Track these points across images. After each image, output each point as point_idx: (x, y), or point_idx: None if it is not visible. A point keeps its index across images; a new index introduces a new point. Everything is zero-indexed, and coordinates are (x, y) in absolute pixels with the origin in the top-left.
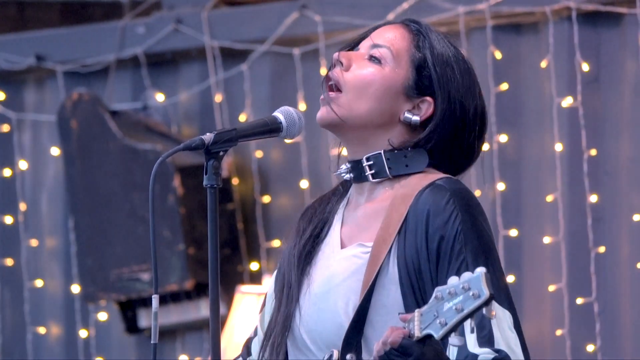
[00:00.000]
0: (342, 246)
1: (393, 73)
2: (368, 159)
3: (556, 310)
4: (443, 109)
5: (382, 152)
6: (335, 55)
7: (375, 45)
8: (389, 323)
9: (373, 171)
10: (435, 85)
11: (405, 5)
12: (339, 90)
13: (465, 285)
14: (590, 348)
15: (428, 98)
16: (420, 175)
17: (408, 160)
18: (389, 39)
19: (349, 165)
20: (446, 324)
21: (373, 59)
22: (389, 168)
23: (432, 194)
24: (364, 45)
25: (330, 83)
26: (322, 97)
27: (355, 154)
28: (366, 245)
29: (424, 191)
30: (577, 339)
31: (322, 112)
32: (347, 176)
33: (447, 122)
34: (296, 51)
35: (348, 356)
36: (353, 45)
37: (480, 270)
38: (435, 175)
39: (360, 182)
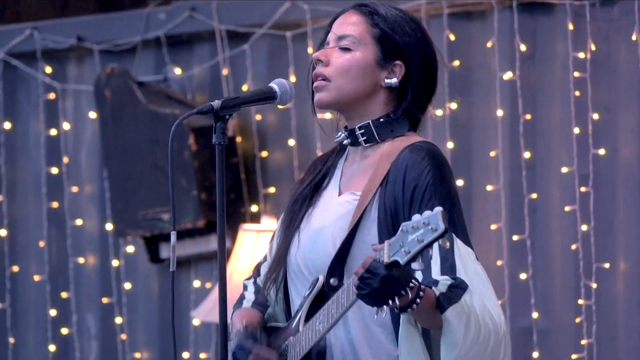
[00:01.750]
0: (340, 193)
1: (363, 54)
2: (360, 128)
3: (497, 245)
4: (412, 64)
5: (370, 122)
6: (315, 56)
7: (340, 37)
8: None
9: (365, 137)
10: (398, 49)
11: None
12: (326, 79)
13: (425, 221)
14: (523, 276)
15: (398, 62)
16: (403, 138)
17: (392, 126)
18: (349, 27)
19: (345, 133)
20: (409, 252)
21: (343, 49)
22: (378, 134)
23: (411, 152)
24: (332, 39)
25: (316, 79)
26: (314, 85)
27: (351, 123)
28: (356, 194)
29: (405, 150)
30: (513, 269)
31: (319, 97)
32: (346, 141)
33: (420, 72)
34: (288, 34)
35: (332, 280)
36: (322, 42)
37: (438, 209)
38: (414, 138)
39: (356, 145)
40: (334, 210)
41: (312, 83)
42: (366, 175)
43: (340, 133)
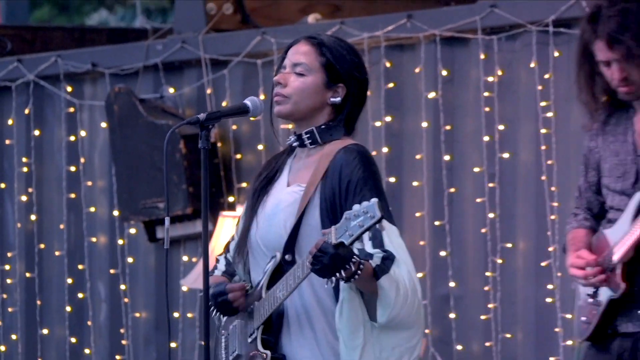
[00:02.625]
0: (288, 185)
1: (313, 78)
2: (306, 133)
3: (421, 229)
4: (351, 86)
5: (314, 128)
6: (275, 79)
7: (295, 64)
8: (313, 236)
9: (310, 140)
10: (341, 74)
11: (329, 33)
12: (286, 97)
13: (365, 210)
14: (443, 253)
15: (340, 84)
16: (339, 141)
17: (331, 132)
18: (302, 56)
19: (295, 137)
20: (352, 235)
21: (298, 74)
22: (320, 138)
23: (345, 153)
24: (288, 65)
25: (277, 97)
26: (276, 99)
27: (299, 129)
28: (302, 186)
29: (340, 151)
30: (434, 248)
31: (277, 110)
32: (295, 144)
33: (356, 93)
34: (259, 61)
35: (287, 256)
36: (280, 65)
37: (374, 200)
38: (348, 141)
39: (302, 147)
40: (284, 199)
41: (273, 100)
42: (310, 170)
43: (290, 137)
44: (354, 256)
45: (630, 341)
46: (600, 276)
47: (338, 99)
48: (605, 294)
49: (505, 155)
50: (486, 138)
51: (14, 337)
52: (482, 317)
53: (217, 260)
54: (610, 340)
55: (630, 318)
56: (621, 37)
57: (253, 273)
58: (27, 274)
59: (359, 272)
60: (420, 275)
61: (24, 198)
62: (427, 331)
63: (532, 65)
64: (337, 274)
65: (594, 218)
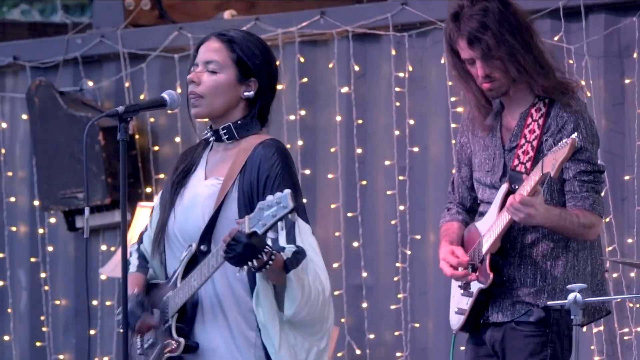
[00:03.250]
0: (205, 178)
1: (225, 75)
2: (223, 129)
3: (335, 220)
4: (262, 79)
5: (230, 124)
6: (189, 77)
7: (207, 62)
8: (230, 227)
9: (227, 136)
10: (252, 69)
11: (244, 29)
12: (200, 96)
13: (278, 200)
14: (355, 244)
15: (252, 78)
16: (256, 136)
17: (248, 127)
18: (213, 54)
19: (211, 132)
20: (265, 224)
21: (211, 72)
22: (237, 133)
23: (264, 148)
24: (200, 62)
25: (192, 96)
26: (191, 100)
27: (216, 125)
28: (219, 179)
29: (258, 146)
30: (348, 239)
31: (194, 112)
32: (212, 139)
33: (267, 86)
34: (176, 56)
35: (202, 247)
36: (192, 63)
37: (287, 190)
38: (265, 136)
39: (219, 141)
40: (201, 191)
41: (189, 97)
42: (227, 164)
43: (206, 131)
44: (266, 246)
45: (501, 331)
46: (469, 277)
47: (251, 93)
48: (475, 285)
49: (416, 149)
50: (397, 132)
51: None
52: (392, 306)
53: (130, 253)
54: (483, 330)
55: (500, 308)
56: (481, 36)
57: (169, 264)
58: None
59: (270, 262)
60: (335, 265)
61: None
62: (342, 320)
63: (442, 61)
64: (250, 263)
65: (467, 212)
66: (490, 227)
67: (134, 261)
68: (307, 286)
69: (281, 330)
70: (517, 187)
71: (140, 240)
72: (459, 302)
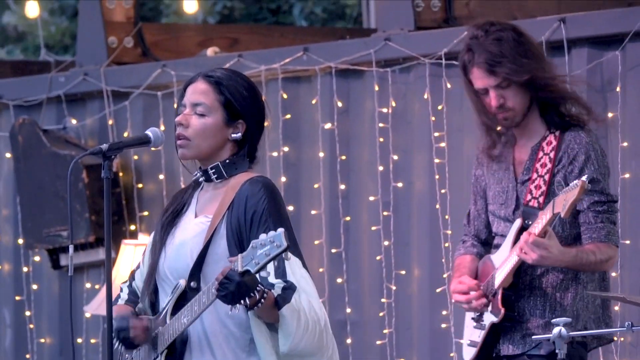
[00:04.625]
0: (195, 216)
1: (213, 118)
2: (212, 169)
3: (319, 256)
4: (250, 120)
5: (219, 163)
6: (177, 120)
7: (195, 104)
8: (219, 265)
9: (216, 175)
10: (239, 111)
11: (227, 65)
12: (187, 139)
13: (271, 239)
14: (339, 280)
15: (240, 120)
16: (244, 174)
17: (236, 165)
18: (201, 96)
19: (200, 172)
20: (259, 263)
21: (199, 114)
22: (225, 172)
23: (250, 185)
24: (188, 104)
25: (180, 138)
26: (178, 142)
27: (204, 165)
28: (208, 217)
29: (245, 183)
30: (331, 274)
31: (181, 153)
32: (201, 179)
33: (255, 126)
34: (159, 93)
35: (192, 283)
36: (180, 104)
37: (281, 229)
38: (253, 174)
39: (208, 181)
40: (191, 230)
41: (176, 139)
42: (216, 202)
43: (196, 172)
44: (259, 285)
45: None
46: (481, 300)
47: (239, 135)
48: (488, 318)
49: (400, 184)
50: (381, 168)
51: None
52: (378, 342)
53: (121, 289)
54: None
55: (511, 341)
56: (499, 63)
57: (161, 302)
58: None
59: (262, 300)
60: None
61: None
62: None
63: (425, 96)
64: (242, 301)
65: (482, 245)
66: (503, 261)
67: (123, 295)
68: (304, 317)
69: None
70: (530, 222)
71: (132, 277)
72: (472, 335)
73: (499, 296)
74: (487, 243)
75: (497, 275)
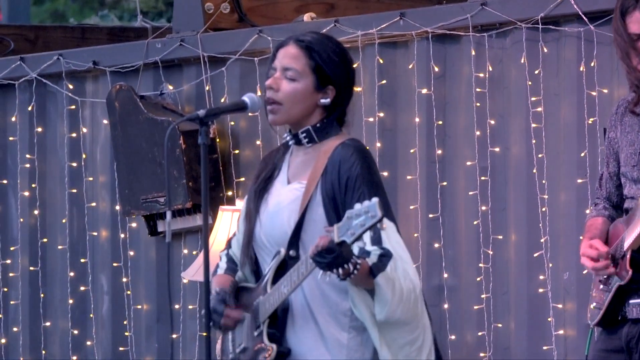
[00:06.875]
0: (288, 182)
1: (303, 83)
2: (302, 132)
3: (415, 222)
4: (340, 86)
5: (310, 127)
6: (267, 83)
7: (285, 69)
8: (316, 232)
9: (307, 139)
10: (330, 77)
11: (324, 31)
12: (278, 103)
13: (366, 209)
14: (436, 245)
15: (330, 86)
16: (335, 138)
17: (327, 129)
18: (292, 61)
19: (290, 135)
20: (354, 234)
21: (289, 79)
22: (316, 137)
23: (342, 149)
24: (278, 68)
25: (270, 103)
26: (269, 108)
27: (295, 129)
28: (302, 183)
29: (337, 148)
30: (429, 240)
31: (272, 119)
32: (291, 142)
33: (345, 92)
34: (256, 59)
35: (291, 251)
36: (270, 66)
37: (375, 199)
38: (344, 137)
39: (299, 145)
40: (285, 196)
41: (266, 103)
42: (309, 168)
43: (286, 135)
44: (353, 256)
45: (638, 327)
46: (609, 269)
47: (328, 100)
48: (615, 280)
49: (497, 149)
50: (478, 133)
51: (15, 329)
52: (475, 307)
53: (220, 258)
54: (620, 326)
55: (637, 304)
56: None
57: (261, 270)
58: (31, 268)
59: (355, 271)
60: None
61: (26, 193)
62: None
63: (522, 61)
64: (335, 271)
65: (614, 208)
66: (633, 224)
67: (222, 264)
68: (398, 286)
69: (379, 331)
70: None
71: (228, 245)
72: (598, 297)
73: (627, 258)
74: (619, 207)
75: (627, 237)
